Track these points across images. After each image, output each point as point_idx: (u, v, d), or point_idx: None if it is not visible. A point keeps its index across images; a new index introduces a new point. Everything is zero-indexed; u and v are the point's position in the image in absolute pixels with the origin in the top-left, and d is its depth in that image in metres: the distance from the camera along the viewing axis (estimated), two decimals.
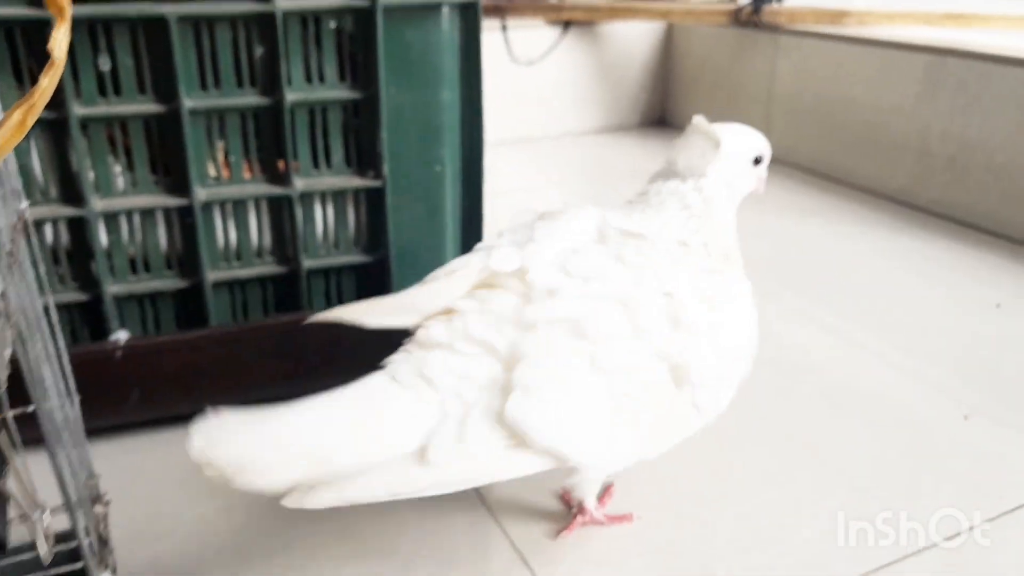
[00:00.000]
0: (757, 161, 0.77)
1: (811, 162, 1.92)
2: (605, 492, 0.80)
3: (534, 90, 2.22)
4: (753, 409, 0.90)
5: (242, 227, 0.92)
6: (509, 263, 0.68)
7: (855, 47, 1.77)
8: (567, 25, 2.19)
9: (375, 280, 0.97)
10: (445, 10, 0.90)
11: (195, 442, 0.56)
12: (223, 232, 0.91)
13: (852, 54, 1.77)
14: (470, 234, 1.01)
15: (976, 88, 1.52)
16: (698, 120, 0.74)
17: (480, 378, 0.62)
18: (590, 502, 0.76)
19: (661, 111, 2.41)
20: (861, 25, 1.85)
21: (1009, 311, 1.21)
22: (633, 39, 2.30)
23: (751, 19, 1.96)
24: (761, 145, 0.77)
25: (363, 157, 0.93)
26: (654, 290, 0.66)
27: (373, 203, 0.95)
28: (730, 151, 0.74)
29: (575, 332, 0.63)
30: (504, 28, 2.12)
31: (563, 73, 2.25)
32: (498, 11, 2.14)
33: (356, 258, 0.97)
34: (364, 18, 0.87)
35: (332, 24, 0.87)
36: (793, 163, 1.97)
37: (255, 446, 0.57)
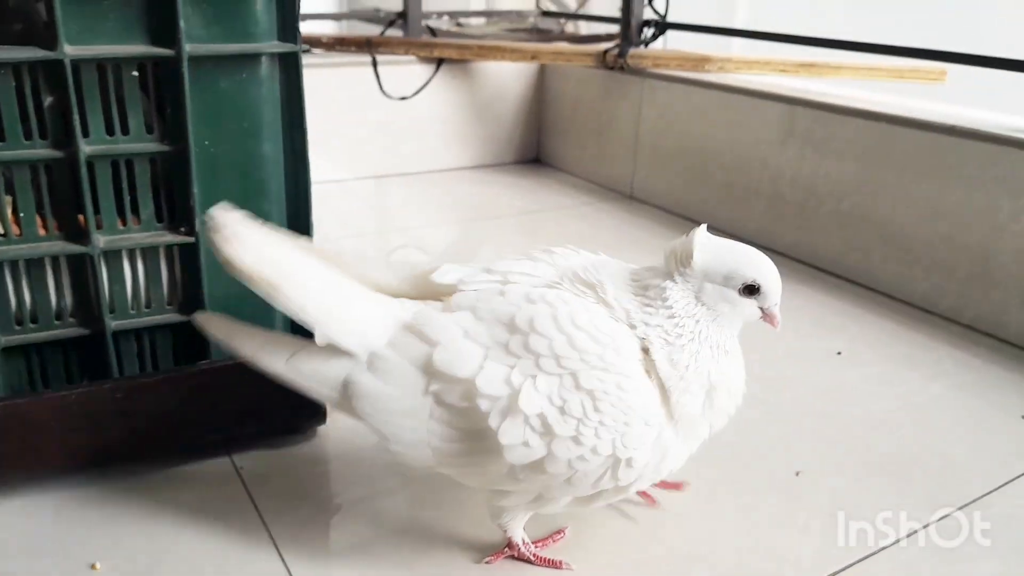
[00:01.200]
0: (749, 291, 0.69)
1: (675, 204, 1.95)
2: (554, 533, 0.80)
3: (409, 125, 2.19)
4: None
5: (38, 287, 0.84)
6: (446, 277, 0.74)
7: (716, 93, 1.81)
8: (440, 62, 2.17)
9: (194, 339, 0.91)
10: (264, 59, 0.86)
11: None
12: (14, 293, 0.83)
13: (713, 100, 1.82)
14: None
15: (822, 136, 1.57)
16: (699, 231, 0.70)
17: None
18: (514, 534, 0.76)
19: (536, 149, 2.41)
20: (722, 71, 1.90)
21: (848, 359, 1.24)
22: (507, 77, 2.30)
23: (617, 62, 1.99)
24: (752, 274, 0.69)
25: (175, 212, 0.87)
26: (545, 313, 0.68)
27: (187, 259, 0.89)
28: (705, 271, 0.69)
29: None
30: (375, 63, 2.08)
31: (437, 109, 2.23)
32: (369, 46, 2.10)
33: (170, 317, 0.90)
34: (169, 67, 0.81)
35: (134, 73, 0.81)
36: (658, 205, 2.00)
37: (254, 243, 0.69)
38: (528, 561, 0.76)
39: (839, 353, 1.26)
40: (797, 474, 0.94)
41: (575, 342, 0.65)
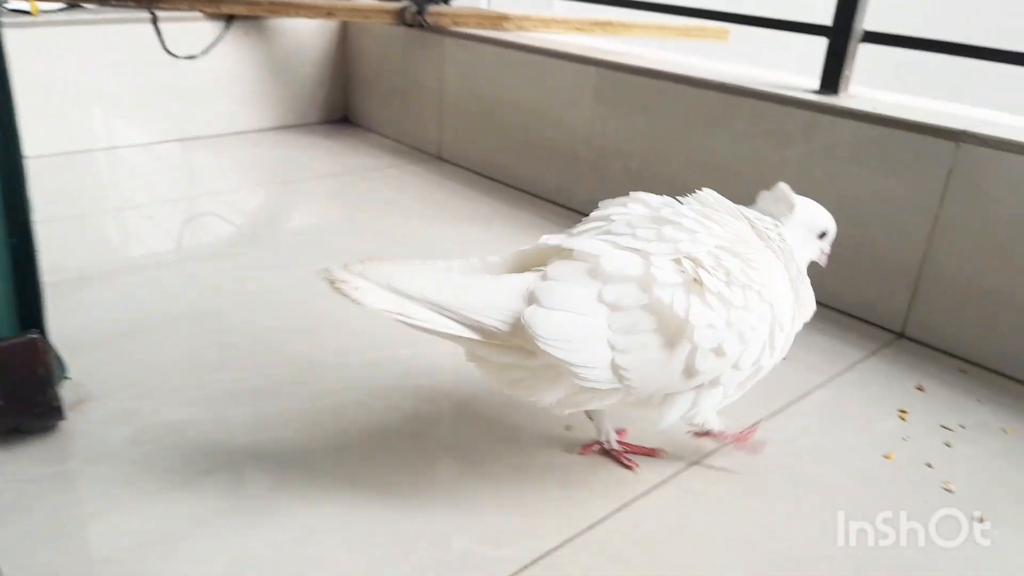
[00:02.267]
0: (822, 235, 0.86)
1: (483, 166, 1.94)
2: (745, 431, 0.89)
3: (206, 85, 2.06)
4: None
5: None
6: (553, 240, 0.77)
7: (514, 52, 1.81)
8: (230, 19, 2.04)
9: None
10: None
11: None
12: None
13: (512, 58, 1.81)
14: (23, 267, 0.86)
15: (612, 95, 1.60)
16: (782, 186, 0.83)
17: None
18: (607, 435, 0.88)
19: (343, 108, 2.34)
20: (520, 30, 1.89)
21: None
22: (307, 35, 2.20)
23: (416, 20, 1.94)
24: (828, 222, 0.86)
25: None
26: (674, 251, 0.73)
27: None
28: (801, 218, 0.84)
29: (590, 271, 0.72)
30: (155, 20, 1.92)
31: (234, 68, 2.10)
32: (148, 1, 1.94)
33: None
34: None
35: None
36: (465, 166, 1.98)
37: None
38: (615, 455, 0.88)
39: None
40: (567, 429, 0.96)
41: (713, 227, 0.76)
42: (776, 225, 0.82)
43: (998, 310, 1.12)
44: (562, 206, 1.74)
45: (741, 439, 0.89)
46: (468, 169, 1.97)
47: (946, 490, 0.87)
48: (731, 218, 0.80)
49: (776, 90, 1.35)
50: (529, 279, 0.72)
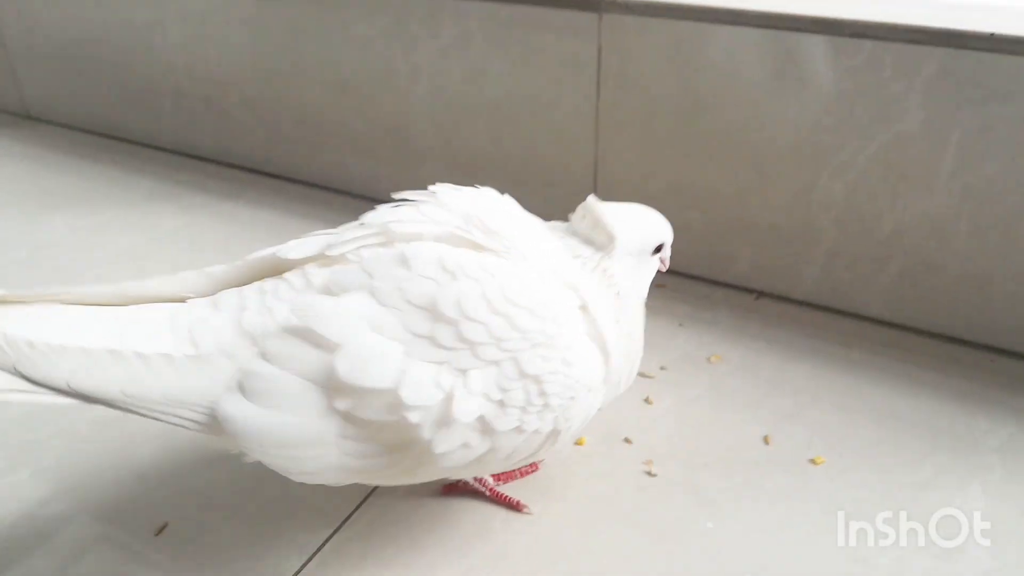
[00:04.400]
0: (658, 249, 0.67)
1: (83, 118, 1.51)
2: (524, 468, 0.72)
3: None
4: None
5: None
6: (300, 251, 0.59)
7: None
8: None
9: None
10: None
11: None
12: None
13: None
14: None
15: (205, 11, 1.23)
16: (592, 205, 0.63)
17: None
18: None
19: None
20: None
21: None
22: None
23: None
24: (661, 234, 0.67)
25: None
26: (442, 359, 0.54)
27: None
28: (627, 247, 0.63)
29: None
30: None
31: None
32: None
33: None
34: None
35: None
36: (61, 122, 1.54)
37: None
38: (484, 496, 0.70)
39: None
40: None
41: (516, 322, 0.55)
42: (599, 261, 0.62)
43: (683, 211, 0.94)
44: (186, 155, 1.38)
45: (502, 500, 0.70)
46: (67, 125, 1.53)
47: None
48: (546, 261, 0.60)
49: None
50: (241, 355, 0.53)
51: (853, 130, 0.83)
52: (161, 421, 0.53)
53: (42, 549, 0.67)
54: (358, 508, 0.70)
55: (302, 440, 0.54)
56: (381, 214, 0.61)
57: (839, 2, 0.82)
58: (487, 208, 0.61)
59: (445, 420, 0.53)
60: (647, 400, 0.80)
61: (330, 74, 1.15)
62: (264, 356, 0.53)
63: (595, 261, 0.62)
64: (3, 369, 0.49)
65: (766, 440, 0.75)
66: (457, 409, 0.53)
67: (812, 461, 0.73)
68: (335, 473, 0.56)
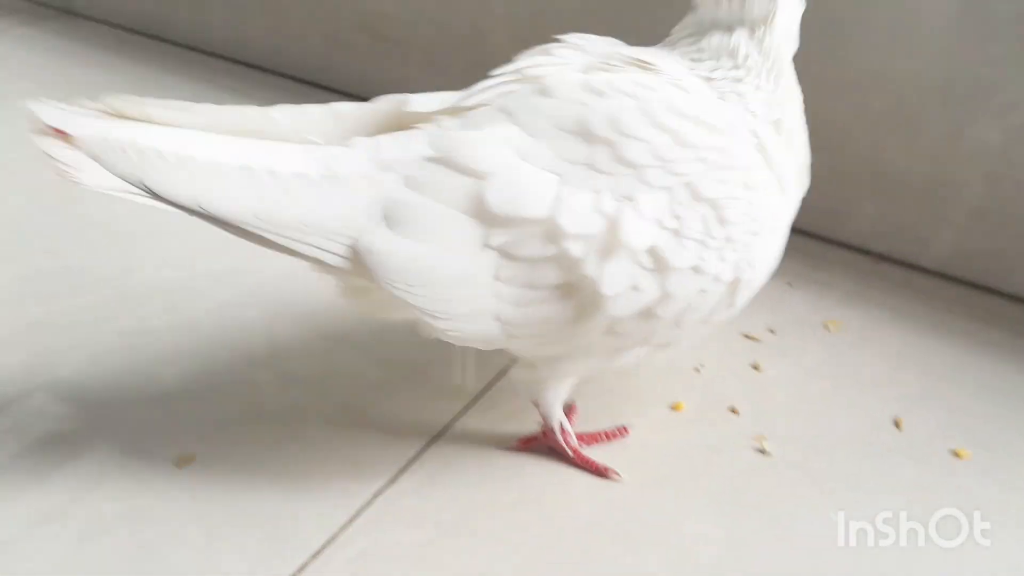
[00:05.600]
0: None
1: (130, 16, 1.40)
2: (612, 431, 0.62)
3: None
4: None
5: None
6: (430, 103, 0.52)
7: None
8: None
9: None
10: None
11: None
12: None
13: None
14: None
15: None
16: None
17: None
18: (554, 415, 0.58)
19: None
20: None
21: None
22: None
23: None
24: None
25: None
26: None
27: None
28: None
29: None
30: None
31: None
32: None
33: None
34: None
35: None
36: (102, 19, 1.43)
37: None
38: (566, 457, 0.59)
39: None
40: None
41: (686, 138, 0.48)
42: (735, 59, 0.52)
43: None
44: (235, 61, 1.26)
45: (585, 463, 0.60)
46: (109, 23, 1.42)
47: None
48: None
49: None
50: (385, 181, 0.47)
51: None
52: (294, 253, 0.47)
53: (53, 475, 0.58)
54: (417, 457, 0.59)
55: (454, 276, 0.48)
56: (513, 64, 0.53)
57: None
58: (627, 46, 0.53)
59: (612, 248, 0.47)
60: (755, 366, 0.69)
61: None
62: (409, 184, 0.47)
63: (736, 48, 0.51)
64: (130, 182, 0.44)
65: (897, 424, 0.64)
66: (626, 232, 0.46)
67: (955, 453, 0.61)
68: (487, 323, 0.49)
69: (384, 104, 0.53)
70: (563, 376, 0.56)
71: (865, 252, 0.84)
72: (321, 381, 0.67)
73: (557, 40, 0.54)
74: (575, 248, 0.47)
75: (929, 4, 0.71)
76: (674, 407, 0.64)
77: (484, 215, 0.47)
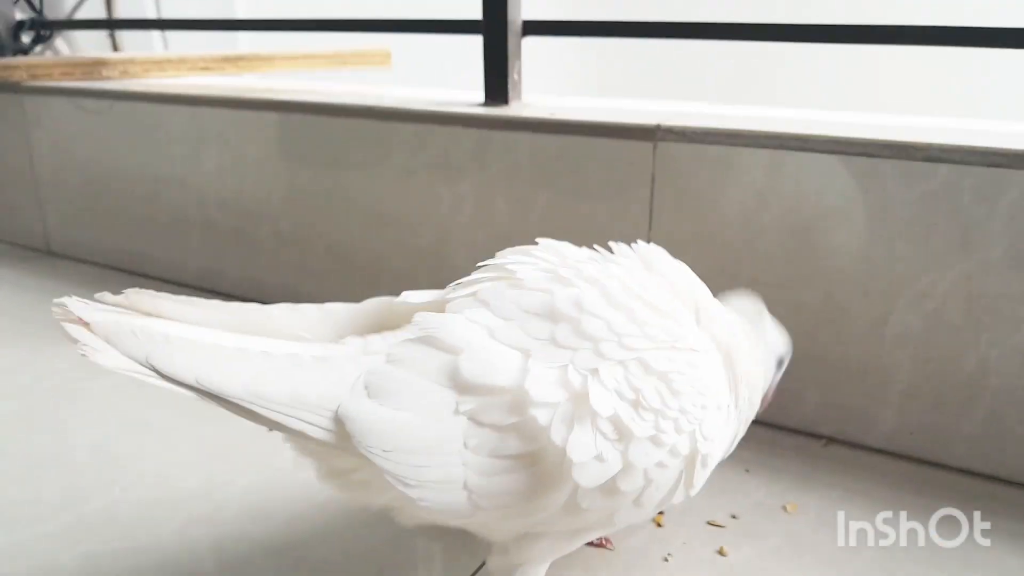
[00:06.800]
0: (780, 364, 0.69)
1: (104, 255, 1.48)
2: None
3: None
4: None
5: None
6: (419, 297, 0.59)
7: (117, 105, 1.37)
8: None
9: None
10: None
11: None
12: None
13: (116, 114, 1.37)
14: None
15: (238, 140, 1.23)
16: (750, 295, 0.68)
17: None
18: None
19: None
20: (127, 76, 1.47)
21: None
22: None
23: None
24: (786, 349, 0.70)
25: None
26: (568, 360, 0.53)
27: None
28: (768, 328, 0.67)
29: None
30: None
31: None
32: None
33: None
34: None
35: None
36: (83, 258, 1.51)
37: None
38: None
39: None
40: None
41: (636, 315, 0.54)
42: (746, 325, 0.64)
43: None
44: (211, 291, 1.33)
45: None
46: (89, 262, 1.50)
47: None
48: (671, 301, 0.58)
49: (435, 107, 1.05)
50: (365, 361, 0.53)
51: (930, 259, 0.78)
52: (281, 427, 0.50)
53: None
54: None
55: (426, 443, 0.50)
56: (495, 260, 0.60)
57: (910, 126, 0.80)
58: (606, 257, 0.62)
59: (578, 416, 0.50)
60: (720, 551, 0.70)
61: (366, 205, 1.12)
62: (390, 360, 0.52)
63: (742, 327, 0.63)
64: (136, 360, 0.48)
65: None
66: (593, 399, 0.50)
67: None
68: (456, 492, 0.51)
69: (374, 304, 0.59)
70: (537, 560, 0.57)
71: (815, 436, 0.88)
72: None
73: (539, 244, 0.61)
74: (541, 416, 0.50)
75: (842, 213, 0.81)
76: None
77: (456, 384, 0.51)
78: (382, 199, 1.11)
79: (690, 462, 0.54)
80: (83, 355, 0.48)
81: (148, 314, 0.52)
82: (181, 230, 1.34)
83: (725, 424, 0.57)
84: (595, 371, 0.52)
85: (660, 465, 0.52)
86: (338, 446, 0.51)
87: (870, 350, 0.83)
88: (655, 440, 0.52)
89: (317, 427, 0.50)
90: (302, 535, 0.73)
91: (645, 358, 0.53)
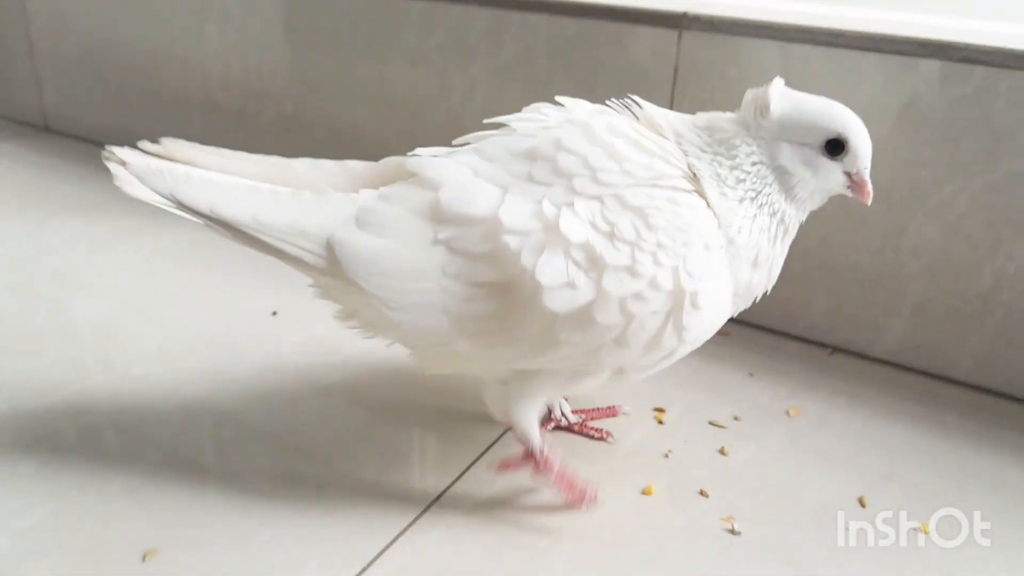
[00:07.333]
0: (834, 148, 0.57)
1: (101, 131, 1.44)
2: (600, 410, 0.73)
3: None
4: None
5: None
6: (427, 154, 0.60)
7: None
8: None
9: None
10: None
11: None
12: None
13: None
14: None
15: (241, 15, 1.18)
16: (777, 80, 0.58)
17: None
18: (533, 438, 0.61)
19: None
20: None
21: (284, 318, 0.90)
22: None
23: None
24: (841, 124, 0.57)
25: None
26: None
27: None
28: (782, 123, 0.57)
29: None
30: None
31: None
32: None
33: None
34: None
35: None
36: (79, 135, 1.48)
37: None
38: (548, 478, 0.62)
39: (274, 313, 0.91)
40: None
41: (615, 151, 0.55)
42: (730, 149, 0.57)
43: None
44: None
45: (568, 486, 0.62)
46: (85, 139, 1.46)
47: None
48: (656, 150, 0.57)
49: None
50: (360, 198, 0.58)
51: (956, 167, 0.75)
52: (282, 253, 0.56)
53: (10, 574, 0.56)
54: (387, 548, 0.59)
55: (407, 269, 0.55)
56: (504, 118, 0.61)
57: (948, 27, 0.76)
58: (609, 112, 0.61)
59: (548, 242, 0.52)
60: (722, 451, 0.70)
61: (376, 89, 1.09)
62: (380, 197, 0.57)
63: (731, 138, 0.58)
64: (160, 194, 0.57)
65: (862, 502, 0.65)
66: (564, 226, 0.52)
67: (919, 530, 0.62)
68: (437, 317, 0.55)
69: (391, 162, 0.61)
70: (532, 394, 0.60)
71: (820, 344, 0.87)
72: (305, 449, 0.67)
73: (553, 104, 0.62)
74: (513, 242, 0.53)
75: (870, 115, 0.78)
76: (645, 491, 0.65)
77: (436, 215, 0.55)
78: (390, 82, 1.07)
79: (677, 301, 0.53)
80: (119, 187, 0.56)
81: (181, 162, 0.59)
82: (182, 109, 1.30)
83: (720, 266, 0.56)
84: (570, 204, 0.53)
85: (638, 297, 0.52)
86: (330, 272, 0.56)
87: (885, 260, 0.81)
88: (631, 271, 0.52)
89: (313, 254, 0.56)
90: (302, 421, 0.73)
91: (622, 194, 0.54)
